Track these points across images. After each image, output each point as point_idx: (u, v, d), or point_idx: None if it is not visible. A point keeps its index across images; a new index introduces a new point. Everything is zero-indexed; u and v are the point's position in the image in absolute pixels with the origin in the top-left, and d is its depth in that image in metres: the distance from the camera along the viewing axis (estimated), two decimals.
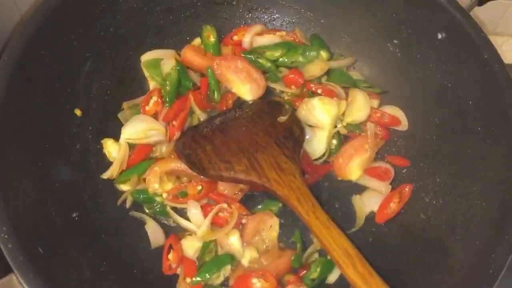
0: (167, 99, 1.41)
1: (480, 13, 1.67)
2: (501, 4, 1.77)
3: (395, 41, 1.44)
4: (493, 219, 1.12)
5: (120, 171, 1.33)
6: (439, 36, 1.34)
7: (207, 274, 1.21)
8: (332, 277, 1.29)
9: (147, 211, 1.33)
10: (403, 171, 1.42)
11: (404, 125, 1.45)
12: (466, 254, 1.14)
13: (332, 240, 1.08)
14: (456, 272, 1.13)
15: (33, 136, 1.18)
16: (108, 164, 1.34)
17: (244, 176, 1.23)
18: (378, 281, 1.00)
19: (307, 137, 1.39)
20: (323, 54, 1.50)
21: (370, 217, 1.38)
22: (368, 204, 1.39)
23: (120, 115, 1.39)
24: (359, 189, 1.42)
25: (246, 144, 1.30)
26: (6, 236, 0.97)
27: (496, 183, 1.17)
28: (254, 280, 1.21)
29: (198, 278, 1.21)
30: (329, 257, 1.26)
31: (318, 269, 1.26)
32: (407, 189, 1.37)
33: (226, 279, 1.27)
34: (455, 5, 1.30)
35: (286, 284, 1.25)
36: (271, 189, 1.20)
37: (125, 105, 1.41)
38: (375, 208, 1.38)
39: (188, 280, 1.22)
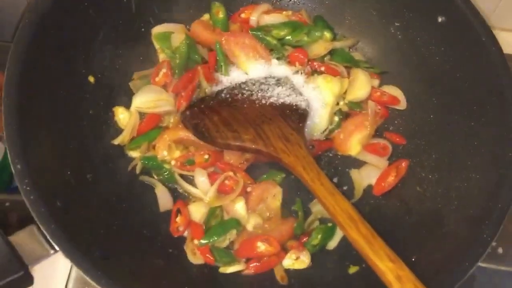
0: (176, 71, 1.45)
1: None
2: None
3: (396, 24, 1.50)
4: (487, 190, 1.19)
5: (130, 138, 1.37)
6: (439, 20, 1.39)
7: (214, 236, 1.26)
8: (332, 244, 1.36)
9: (155, 177, 1.38)
10: (400, 147, 1.48)
11: (402, 104, 1.51)
12: (461, 222, 1.20)
13: (337, 205, 1.13)
14: (451, 239, 1.19)
15: (49, 102, 1.21)
16: (119, 131, 1.38)
17: (251, 144, 1.28)
18: (380, 242, 1.06)
19: (311, 113, 1.44)
20: (327, 34, 1.54)
21: (368, 190, 1.45)
22: (366, 177, 1.46)
23: (131, 84, 1.43)
24: (358, 164, 1.48)
25: (253, 116, 1.34)
26: (28, 188, 1.01)
27: (490, 158, 1.23)
28: (259, 244, 1.27)
29: (205, 240, 1.26)
30: (330, 225, 1.33)
31: (319, 236, 1.32)
32: (403, 165, 1.43)
33: (231, 243, 1.32)
34: None
35: (289, 249, 1.30)
36: (277, 157, 1.25)
37: (135, 75, 1.45)
38: (372, 181, 1.45)
39: (195, 241, 1.27)
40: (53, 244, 1.00)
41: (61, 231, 1.01)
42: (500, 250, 1.48)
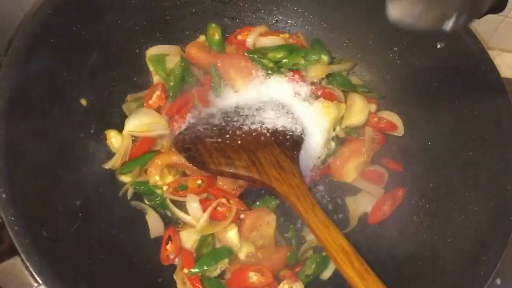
0: (171, 94, 1.43)
1: (473, 27, 1.71)
2: (496, 19, 1.81)
3: (394, 48, 1.49)
4: (484, 223, 1.16)
5: (122, 162, 1.35)
6: (438, 45, 1.38)
7: (204, 266, 1.23)
8: (327, 273, 1.33)
9: (147, 202, 1.35)
10: (397, 175, 1.45)
11: (400, 131, 1.49)
12: (457, 256, 1.18)
13: (330, 238, 1.10)
14: (447, 273, 1.17)
15: (38, 124, 1.19)
16: (111, 154, 1.35)
17: (244, 172, 1.25)
18: (374, 278, 1.03)
19: (306, 139, 1.41)
20: (324, 58, 1.53)
21: (364, 218, 1.42)
22: (361, 205, 1.43)
23: (124, 107, 1.41)
24: (353, 191, 1.46)
25: (247, 142, 1.32)
26: (13, 219, 0.99)
27: (488, 189, 1.21)
28: (251, 274, 1.23)
29: (196, 270, 1.23)
30: (324, 254, 1.30)
31: (313, 266, 1.30)
32: (399, 193, 1.41)
33: (223, 272, 1.29)
34: None
35: (282, 279, 1.27)
36: (271, 186, 1.22)
37: (129, 97, 1.43)
38: (368, 209, 1.42)
39: (185, 271, 1.23)
40: (36, 277, 0.97)
41: (45, 263, 0.98)
42: (498, 281, 1.45)
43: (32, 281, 1.00)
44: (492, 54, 1.98)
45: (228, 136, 1.33)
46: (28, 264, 0.97)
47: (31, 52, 1.17)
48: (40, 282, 0.98)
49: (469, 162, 1.29)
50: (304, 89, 1.48)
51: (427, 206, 1.35)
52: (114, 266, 1.19)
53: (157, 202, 1.34)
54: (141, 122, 1.36)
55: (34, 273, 0.97)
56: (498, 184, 1.18)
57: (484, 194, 1.21)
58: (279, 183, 1.22)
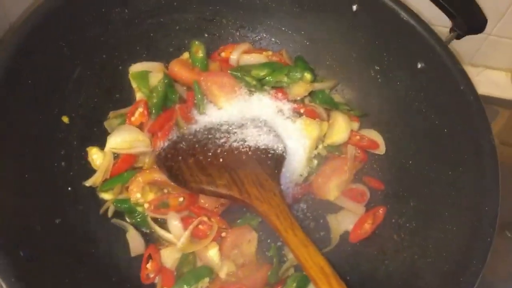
0: (153, 111, 1.43)
1: (457, 44, 1.73)
2: (479, 36, 1.83)
3: (376, 67, 1.50)
4: (463, 243, 1.17)
5: (103, 179, 1.34)
6: (419, 66, 1.39)
7: (184, 285, 1.23)
8: None
9: (128, 220, 1.35)
10: (378, 193, 1.46)
11: (381, 149, 1.50)
12: (436, 277, 1.18)
13: (309, 258, 1.10)
14: None
15: (18, 141, 1.18)
16: (91, 171, 1.34)
17: (225, 190, 1.26)
18: None
19: (288, 157, 1.42)
20: (307, 75, 1.53)
21: (345, 236, 1.42)
22: (343, 223, 1.44)
23: (106, 124, 1.41)
24: (335, 209, 1.46)
25: (228, 160, 1.32)
26: None
27: (466, 209, 1.22)
28: None
29: None
30: (305, 273, 1.30)
31: (294, 284, 1.30)
32: (380, 211, 1.42)
33: None
34: (435, 37, 1.36)
35: None
36: (251, 204, 1.22)
37: (111, 114, 1.43)
38: (349, 227, 1.43)
39: None
40: None
41: (22, 284, 0.97)
42: None
43: None
44: (477, 71, 2.01)
45: (210, 154, 1.33)
46: (4, 286, 0.96)
47: (12, 69, 1.17)
48: None
49: (448, 182, 1.30)
50: (287, 107, 1.49)
51: (407, 225, 1.35)
52: (92, 285, 1.18)
53: (138, 219, 1.34)
54: (123, 139, 1.36)
55: None
56: (475, 204, 1.19)
57: (462, 214, 1.22)
58: (259, 202, 1.22)
